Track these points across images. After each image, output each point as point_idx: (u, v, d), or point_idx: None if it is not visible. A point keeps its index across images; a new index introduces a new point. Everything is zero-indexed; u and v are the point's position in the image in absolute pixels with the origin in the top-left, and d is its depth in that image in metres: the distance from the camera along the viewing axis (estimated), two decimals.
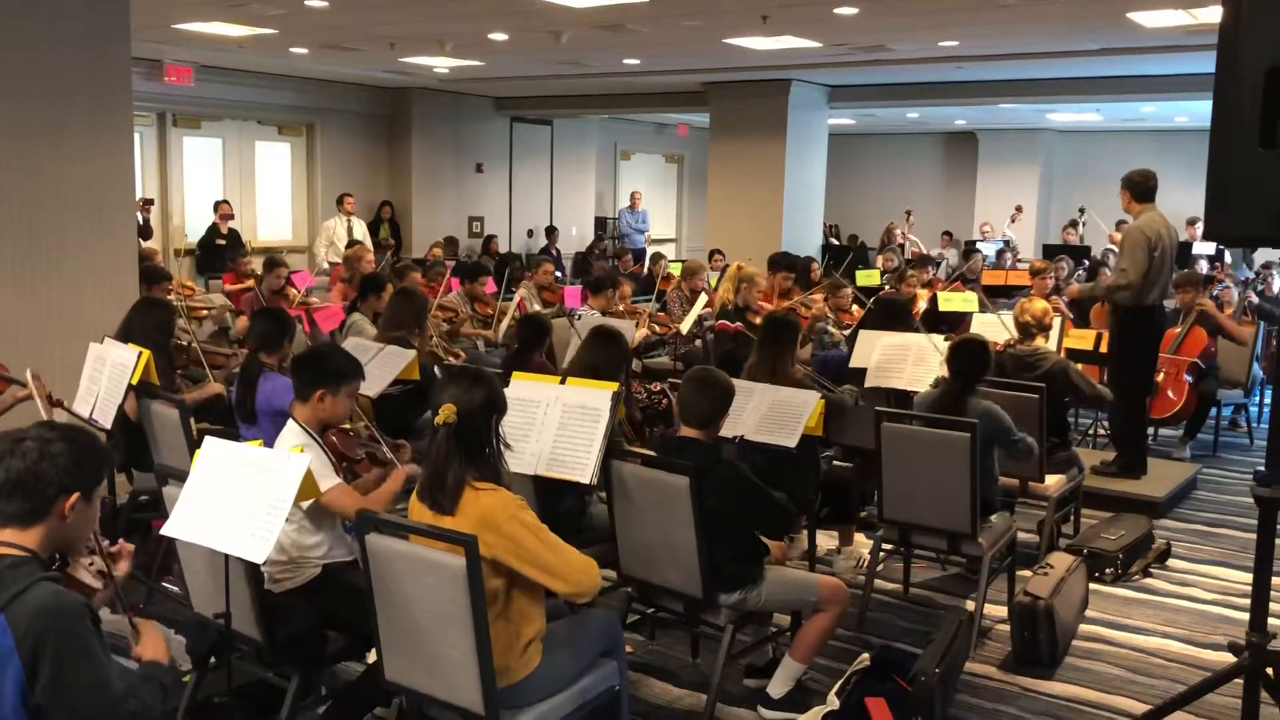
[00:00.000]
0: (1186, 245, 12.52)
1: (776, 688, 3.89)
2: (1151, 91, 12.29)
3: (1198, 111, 14.40)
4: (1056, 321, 6.43)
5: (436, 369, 6.20)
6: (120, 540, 2.65)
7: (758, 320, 7.51)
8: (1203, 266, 12.34)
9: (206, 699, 3.44)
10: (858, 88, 13.83)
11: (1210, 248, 13.23)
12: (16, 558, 2.24)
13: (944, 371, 5.00)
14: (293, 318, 5.42)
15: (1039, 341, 5.75)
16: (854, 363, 6.02)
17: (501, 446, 3.04)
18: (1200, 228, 13.13)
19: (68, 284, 6.23)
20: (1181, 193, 14.14)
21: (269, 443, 3.64)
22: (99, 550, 2.55)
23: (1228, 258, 13.15)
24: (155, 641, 2.50)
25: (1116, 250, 7.55)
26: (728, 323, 7.50)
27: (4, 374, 4.91)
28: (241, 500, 2.91)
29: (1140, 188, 6.37)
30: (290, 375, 3.84)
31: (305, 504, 3.44)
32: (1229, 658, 3.39)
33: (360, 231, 12.92)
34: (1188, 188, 13.48)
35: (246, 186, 14.10)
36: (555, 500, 4.10)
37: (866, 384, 5.77)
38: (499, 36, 10.04)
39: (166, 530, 3.02)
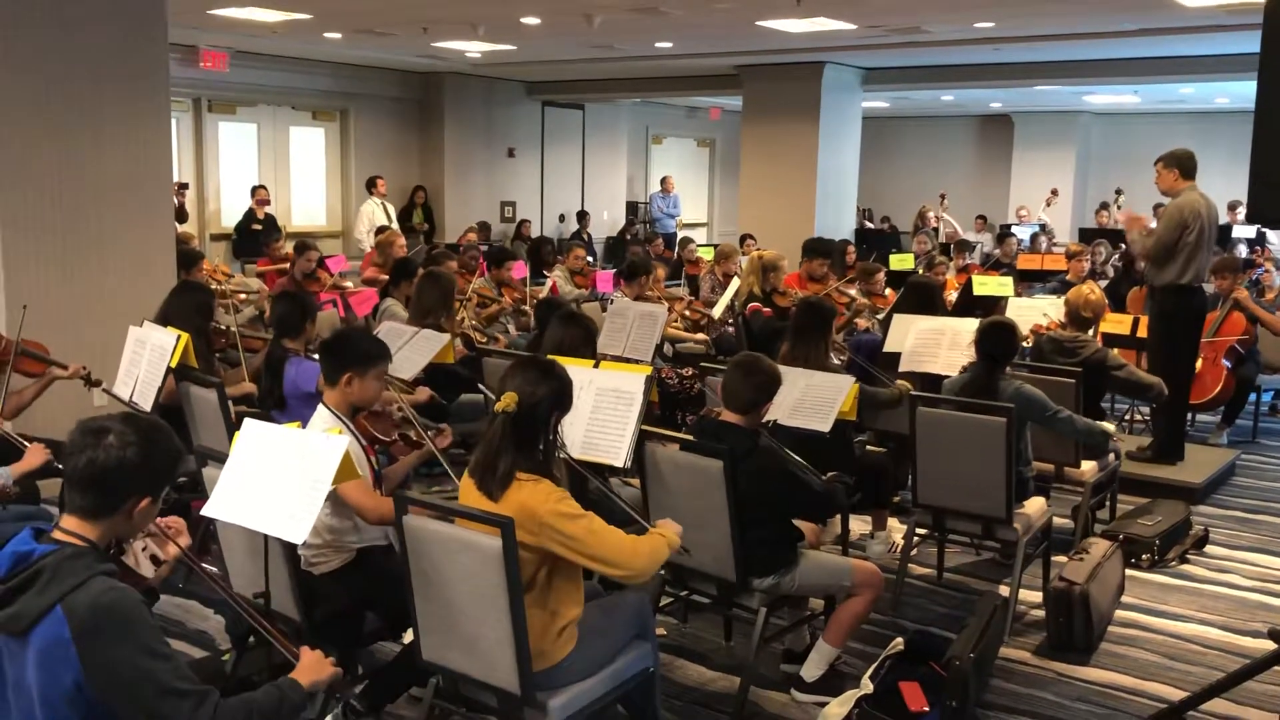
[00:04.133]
0: (1226, 228, 12.33)
1: (810, 670, 3.90)
2: (1191, 72, 12.09)
3: (1239, 93, 14.17)
4: None
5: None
6: (169, 517, 2.64)
7: (785, 302, 7.49)
8: (1242, 250, 12.15)
9: (245, 677, 3.48)
10: (892, 70, 13.71)
11: (1251, 231, 13.03)
12: (76, 548, 2.24)
13: (974, 355, 4.95)
14: (313, 300, 5.44)
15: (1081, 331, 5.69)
16: (888, 347, 6.00)
17: (557, 444, 3.03)
18: (1242, 211, 12.94)
19: (107, 268, 6.31)
20: (1222, 176, 13.91)
21: (303, 426, 3.67)
22: (154, 533, 2.56)
23: (1274, 237, 12.93)
24: (310, 665, 2.49)
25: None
26: (760, 304, 7.49)
27: (46, 356, 4.98)
28: (280, 481, 2.93)
29: (1188, 165, 6.41)
30: (319, 361, 3.86)
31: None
32: (1268, 645, 3.37)
33: (390, 215, 12.98)
34: (1228, 170, 13.30)
35: (281, 171, 14.20)
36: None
37: (901, 368, 5.74)
38: (531, 20, 10.03)
39: (206, 511, 3.05)
